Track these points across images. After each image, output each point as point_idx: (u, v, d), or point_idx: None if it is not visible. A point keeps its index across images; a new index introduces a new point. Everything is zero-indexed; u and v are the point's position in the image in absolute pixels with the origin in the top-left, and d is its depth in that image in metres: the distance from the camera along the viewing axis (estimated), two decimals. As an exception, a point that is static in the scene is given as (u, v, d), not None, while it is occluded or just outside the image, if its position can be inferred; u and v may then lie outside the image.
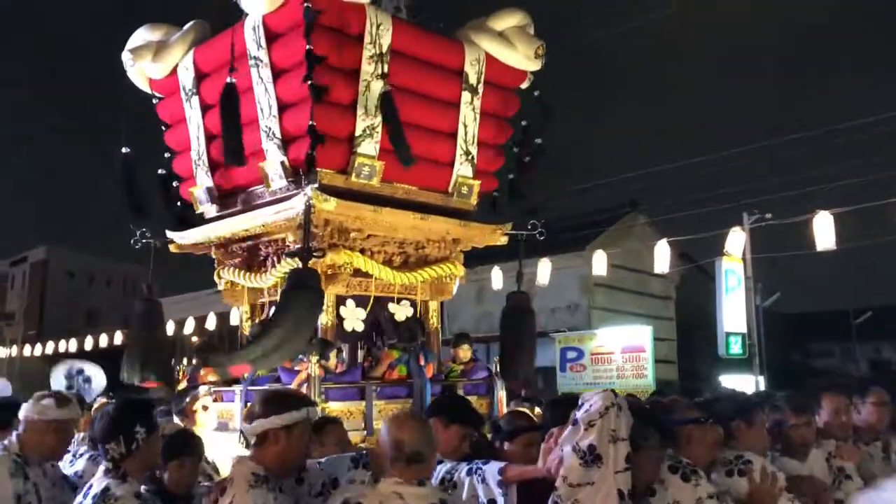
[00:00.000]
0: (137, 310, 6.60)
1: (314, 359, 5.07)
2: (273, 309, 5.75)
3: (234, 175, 5.90)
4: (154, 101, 6.44)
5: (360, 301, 5.85)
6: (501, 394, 6.06)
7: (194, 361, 6.35)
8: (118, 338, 25.12)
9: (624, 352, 17.19)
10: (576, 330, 19.49)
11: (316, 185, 5.13)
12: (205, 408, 4.81)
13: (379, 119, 5.43)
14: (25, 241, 45.30)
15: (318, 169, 5.25)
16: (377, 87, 5.40)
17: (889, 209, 11.31)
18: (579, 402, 2.73)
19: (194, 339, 27.68)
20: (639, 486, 2.77)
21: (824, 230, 11.89)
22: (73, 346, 26.89)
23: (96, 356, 25.61)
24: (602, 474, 2.58)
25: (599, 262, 15.48)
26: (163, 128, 6.49)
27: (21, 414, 3.50)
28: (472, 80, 5.99)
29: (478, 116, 6.08)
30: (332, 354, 5.45)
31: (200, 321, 23.05)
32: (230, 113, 5.23)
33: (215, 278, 6.38)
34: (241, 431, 2.88)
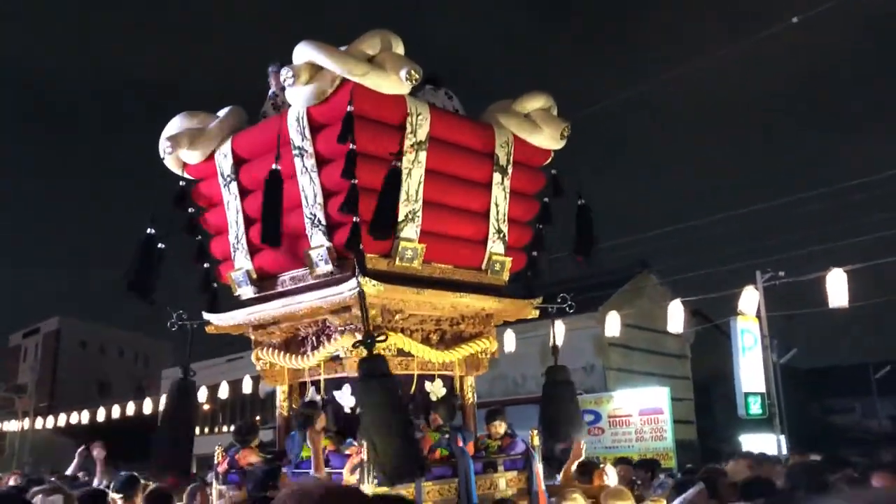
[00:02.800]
0: (172, 391, 6.58)
1: (365, 442, 5.05)
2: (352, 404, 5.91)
3: (276, 259, 6.06)
4: (181, 182, 6.58)
5: (399, 381, 5.88)
6: (538, 467, 6.14)
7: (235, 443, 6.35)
8: (130, 409, 25.17)
9: (642, 414, 17.13)
10: (592, 391, 19.45)
11: (363, 272, 5.25)
12: None
13: (420, 204, 5.66)
14: (38, 313, 45.50)
15: (367, 255, 5.41)
16: (419, 173, 5.63)
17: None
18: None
19: (206, 406, 27.68)
20: None
21: (837, 287, 12.08)
22: (85, 417, 26.91)
23: (109, 428, 25.60)
24: None
25: (613, 323, 15.63)
26: (191, 210, 6.62)
27: None
28: (503, 161, 6.23)
29: (508, 195, 6.31)
30: None
31: (213, 389, 23.12)
32: (273, 199, 5.41)
33: (253, 359, 6.49)
34: None
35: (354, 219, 5.23)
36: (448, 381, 6.38)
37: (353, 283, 5.26)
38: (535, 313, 6.67)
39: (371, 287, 5.25)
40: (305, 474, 5.58)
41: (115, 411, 25.69)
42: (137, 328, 42.66)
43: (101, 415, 26.17)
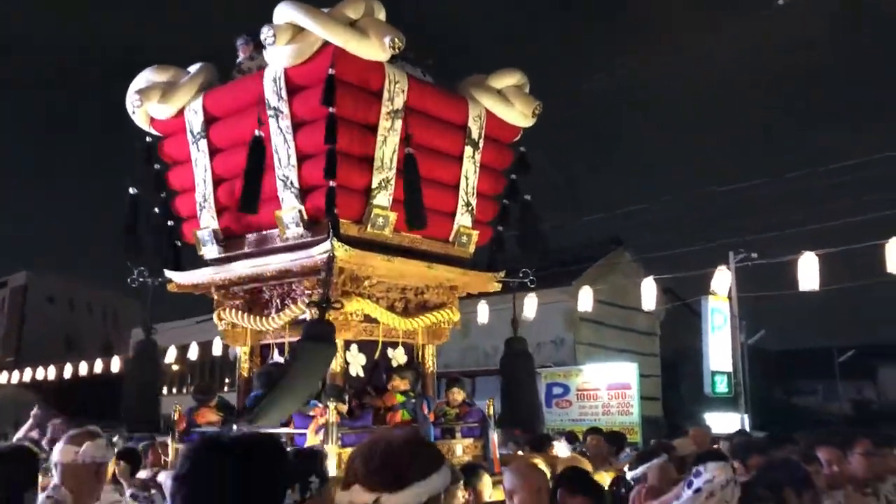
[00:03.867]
0: (134, 351, 6.66)
1: (332, 404, 5.17)
2: (288, 358, 5.93)
3: (244, 220, 6.03)
4: (148, 139, 6.52)
5: (362, 346, 6.02)
6: (494, 435, 6.20)
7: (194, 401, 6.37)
8: (98, 366, 24.97)
9: (610, 388, 17.31)
10: (561, 364, 19.61)
11: (334, 236, 5.27)
12: None
13: (393, 172, 5.67)
14: (5, 267, 44.87)
15: (338, 219, 5.40)
16: (393, 141, 5.64)
17: (872, 251, 11.62)
18: (695, 470, 3.00)
19: (174, 367, 27.56)
20: None
21: (809, 271, 12.21)
22: (52, 373, 26.68)
23: (76, 384, 25.42)
24: None
25: (585, 298, 15.71)
26: (156, 166, 6.56)
27: (55, 457, 3.30)
28: (475, 134, 6.29)
29: (477, 169, 6.38)
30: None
31: (183, 350, 22.99)
32: (255, 165, 5.41)
33: (215, 319, 6.46)
34: None
35: (331, 183, 5.23)
36: (409, 350, 6.44)
37: (324, 246, 5.26)
38: (498, 287, 6.78)
39: (343, 251, 5.27)
40: None
41: (83, 368, 25.47)
42: (107, 285, 42.29)
43: (68, 371, 25.97)
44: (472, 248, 6.54)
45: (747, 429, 17.49)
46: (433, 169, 6.14)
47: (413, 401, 5.81)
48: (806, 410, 27.12)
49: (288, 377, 5.09)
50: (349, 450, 5.18)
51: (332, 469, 5.07)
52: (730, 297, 17.54)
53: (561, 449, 6.66)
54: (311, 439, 5.25)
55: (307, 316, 5.60)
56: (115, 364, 24.40)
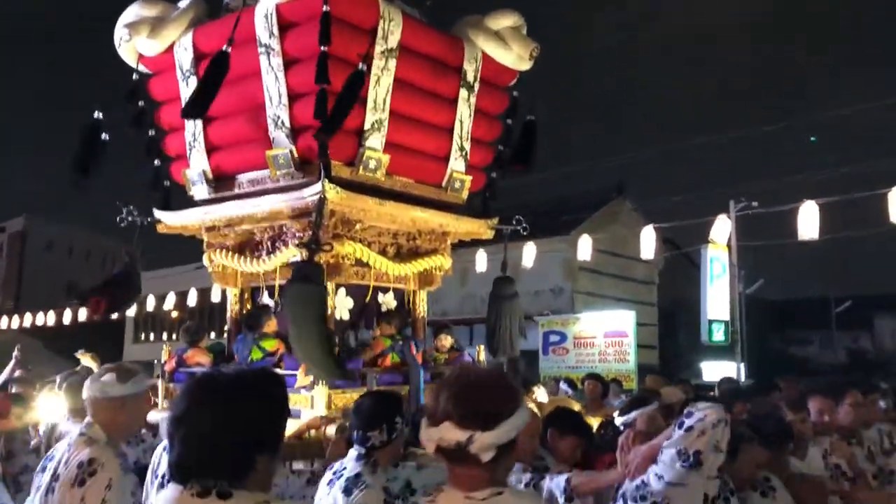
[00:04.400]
0: (115, 272, 6.53)
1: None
2: (278, 301, 5.93)
3: (234, 160, 5.94)
4: (135, 76, 6.33)
5: (350, 290, 5.97)
6: None
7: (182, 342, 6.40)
8: (98, 312, 25.05)
9: (606, 336, 17.39)
10: (559, 313, 19.67)
11: (326, 178, 5.18)
12: None
13: (387, 114, 5.55)
14: (3, 213, 44.75)
15: (330, 160, 5.30)
16: (387, 82, 5.51)
17: (873, 201, 11.52)
18: (688, 412, 2.97)
19: (174, 314, 27.64)
20: (740, 484, 3.20)
21: (809, 220, 12.12)
22: (51, 318, 26.78)
23: (75, 330, 25.52)
24: (696, 478, 2.90)
25: (584, 247, 15.64)
26: (141, 104, 6.36)
27: (84, 394, 3.25)
28: (470, 77, 6.13)
29: (472, 113, 6.23)
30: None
31: (181, 296, 23.01)
32: (213, 79, 5.25)
33: (205, 261, 6.40)
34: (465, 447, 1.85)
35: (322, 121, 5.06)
36: (400, 295, 6.43)
37: (316, 187, 5.17)
38: (491, 234, 6.69)
39: (334, 193, 5.18)
40: None
41: (82, 314, 25.52)
42: (105, 232, 42.22)
43: (67, 316, 26.05)
44: (465, 195, 6.44)
45: (743, 378, 17.65)
46: (427, 111, 6.03)
47: (400, 343, 5.82)
48: (802, 360, 27.32)
49: (290, 329, 5.05)
50: (338, 391, 5.26)
51: (321, 409, 5.15)
52: (729, 246, 17.51)
53: (541, 394, 6.74)
54: (301, 380, 5.26)
55: (298, 259, 5.53)
56: (114, 310, 24.47)
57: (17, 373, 8.48)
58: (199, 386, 1.86)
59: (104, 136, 6.07)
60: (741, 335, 18.22)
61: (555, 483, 3.21)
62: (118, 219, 6.34)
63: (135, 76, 6.29)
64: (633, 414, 4.87)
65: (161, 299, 22.82)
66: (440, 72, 6.04)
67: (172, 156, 6.41)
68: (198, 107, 5.32)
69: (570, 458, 3.76)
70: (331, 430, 4.85)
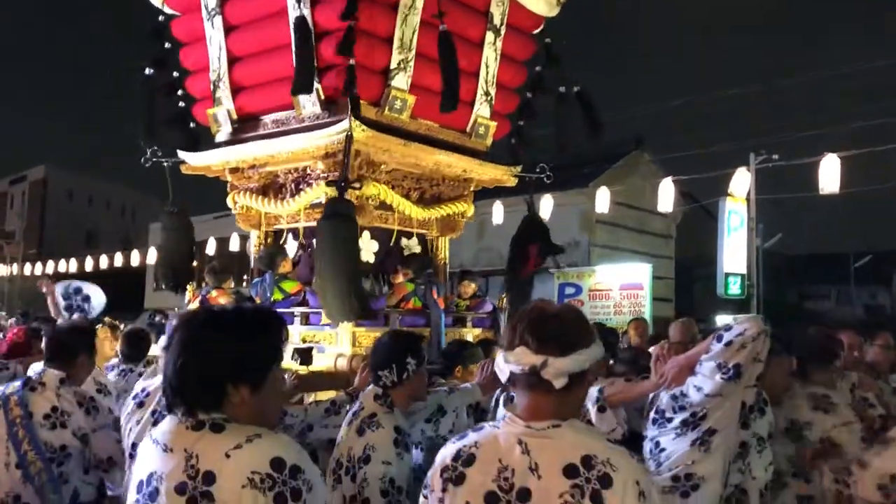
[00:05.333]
0: (164, 223, 6.73)
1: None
2: (303, 242, 5.98)
3: (259, 100, 5.91)
4: (161, 17, 6.31)
5: (374, 233, 5.99)
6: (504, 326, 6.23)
7: (206, 282, 6.40)
8: (118, 260, 25.33)
9: (622, 289, 17.33)
10: (575, 266, 19.65)
11: (353, 117, 5.15)
12: None
13: (413, 53, 5.52)
14: (25, 160, 45.13)
15: (358, 98, 5.26)
16: (414, 21, 5.48)
17: (893, 154, 11.36)
18: (727, 325, 3.02)
19: (193, 263, 27.93)
20: (774, 393, 3.32)
21: (830, 173, 11.95)
22: (73, 266, 27.10)
23: (97, 277, 25.87)
24: (734, 388, 2.96)
25: (602, 200, 15.52)
26: (167, 45, 6.34)
27: None
28: (497, 20, 6.08)
29: (498, 58, 6.18)
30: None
31: (200, 246, 23.19)
32: (305, 46, 5.18)
33: (229, 202, 6.41)
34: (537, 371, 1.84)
35: (350, 61, 5.08)
36: (422, 241, 6.45)
37: (342, 125, 5.15)
38: (514, 181, 6.66)
39: (360, 131, 5.17)
40: (281, 314, 5.62)
41: (104, 262, 25.84)
42: (125, 180, 42.53)
43: (88, 264, 26.35)
44: (489, 141, 6.41)
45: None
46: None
47: (422, 287, 5.85)
48: (818, 314, 27.24)
49: (318, 265, 5.10)
50: (363, 329, 5.31)
51: (346, 346, 5.22)
52: (748, 200, 17.35)
53: None
54: (326, 318, 5.32)
55: (323, 200, 5.54)
56: (135, 258, 24.73)
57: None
58: (197, 318, 1.92)
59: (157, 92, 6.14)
60: (757, 289, 18.15)
61: (587, 395, 3.18)
62: (143, 160, 6.33)
63: (160, 17, 6.24)
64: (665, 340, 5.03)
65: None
66: (467, 14, 5.97)
67: (196, 97, 6.39)
68: (305, 80, 5.21)
69: (597, 370, 3.82)
70: (356, 362, 4.87)
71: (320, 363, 5.18)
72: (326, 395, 4.34)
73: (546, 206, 14.60)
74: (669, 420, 3.07)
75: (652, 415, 3.17)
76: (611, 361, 4.50)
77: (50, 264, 28.34)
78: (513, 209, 16.73)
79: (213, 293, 6.20)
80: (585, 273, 18.32)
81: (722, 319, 20.77)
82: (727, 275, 17.25)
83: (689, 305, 23.49)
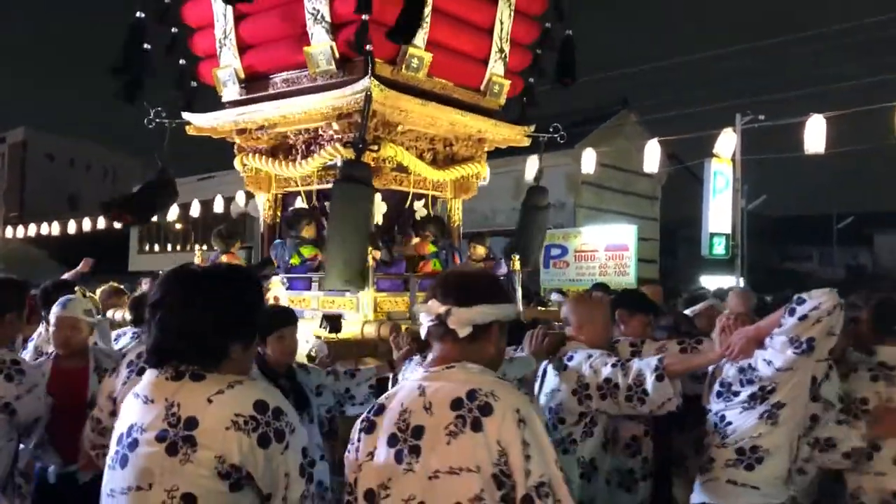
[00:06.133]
0: (150, 179, 6.38)
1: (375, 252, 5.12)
2: (315, 205, 5.83)
3: (268, 58, 5.67)
4: None
5: (385, 195, 5.83)
6: (518, 290, 6.21)
7: (215, 247, 6.21)
8: (101, 223, 25.11)
9: (608, 250, 17.38)
10: (561, 227, 19.67)
11: (371, 75, 4.94)
12: (276, 298, 4.88)
13: (430, 9, 5.28)
14: (3, 122, 44.27)
15: (374, 57, 5.07)
16: None
17: (880, 114, 11.33)
18: (799, 298, 2.87)
19: (178, 225, 27.71)
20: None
21: (815, 134, 11.93)
22: (55, 229, 26.87)
23: (79, 241, 25.65)
24: (805, 362, 2.87)
25: (588, 160, 15.45)
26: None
27: None
28: None
29: (512, 14, 5.99)
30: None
31: (184, 208, 23.01)
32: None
33: (236, 164, 6.17)
34: (442, 320, 1.94)
35: (364, 17, 4.87)
36: (433, 203, 6.29)
37: (361, 84, 4.95)
38: (527, 141, 6.54)
39: (378, 91, 4.96)
40: (298, 280, 5.56)
41: (86, 225, 25.60)
42: (107, 143, 41.98)
43: (71, 227, 26.12)
44: (502, 100, 6.24)
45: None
46: (467, 9, 5.77)
47: (444, 251, 5.75)
48: (800, 274, 27.47)
49: (331, 228, 4.97)
50: (384, 294, 5.26)
51: (369, 312, 5.11)
52: (733, 161, 17.37)
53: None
54: (327, 284, 5.19)
55: (338, 161, 5.38)
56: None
57: None
58: (176, 276, 1.93)
59: (146, 45, 5.85)
60: (741, 250, 18.25)
61: (645, 362, 3.09)
62: (146, 120, 6.04)
63: None
64: (701, 305, 4.86)
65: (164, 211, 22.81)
66: None
67: (201, 55, 6.14)
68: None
69: (641, 335, 3.75)
70: (385, 329, 4.75)
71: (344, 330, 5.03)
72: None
73: (531, 167, 14.54)
74: (736, 394, 2.99)
75: (717, 388, 3.08)
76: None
77: (32, 227, 28.10)
78: (497, 171, 16.60)
79: (223, 258, 6.00)
80: (571, 234, 18.35)
81: (706, 280, 20.95)
82: (712, 235, 17.32)
83: (674, 267, 23.64)
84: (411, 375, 2.07)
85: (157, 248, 31.95)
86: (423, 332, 2.05)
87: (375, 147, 5.14)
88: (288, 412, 1.83)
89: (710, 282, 20.60)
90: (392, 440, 1.89)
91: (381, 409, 1.97)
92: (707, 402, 3.17)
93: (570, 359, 3.25)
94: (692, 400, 3.26)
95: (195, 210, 21.76)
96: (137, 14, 5.85)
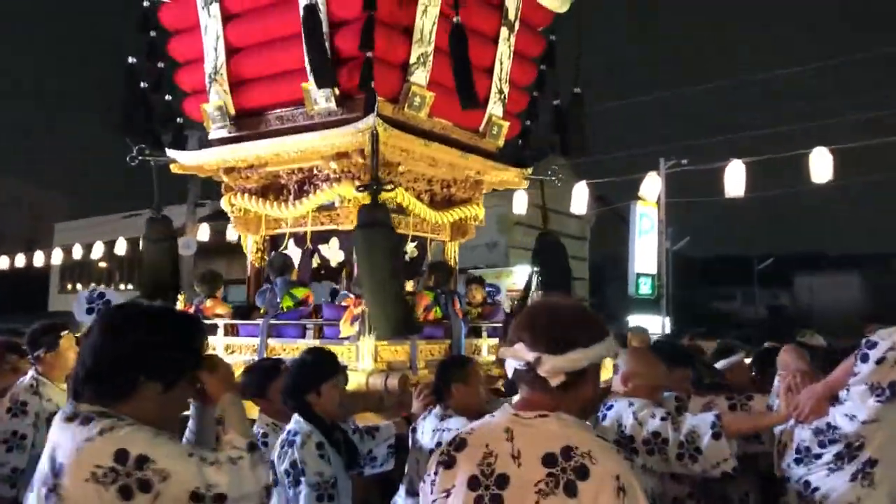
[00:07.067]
0: (148, 229, 6.07)
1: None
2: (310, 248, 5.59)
3: (261, 95, 5.43)
4: (146, 2, 5.80)
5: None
6: None
7: (198, 291, 5.95)
8: (20, 260, 24.20)
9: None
10: (493, 266, 19.84)
11: (375, 114, 4.73)
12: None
13: (432, 47, 5.15)
14: None
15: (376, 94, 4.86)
16: (433, 13, 5.13)
17: (796, 160, 11.85)
18: (869, 342, 2.61)
19: (102, 263, 26.91)
20: None
21: (735, 178, 12.40)
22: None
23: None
24: (891, 410, 2.58)
25: (520, 202, 15.73)
26: (152, 34, 5.83)
27: None
28: (511, 15, 5.78)
29: (511, 54, 5.87)
30: None
31: (109, 246, 22.40)
32: (314, 40, 4.74)
33: (223, 204, 5.88)
34: (532, 367, 1.80)
35: (368, 54, 4.69)
36: (420, 246, 6.05)
37: (365, 122, 4.73)
38: (526, 184, 6.51)
39: (382, 130, 4.75)
40: (289, 327, 5.24)
41: (4, 262, 24.64)
42: (29, 178, 40.65)
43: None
44: (501, 141, 6.09)
45: (668, 331, 18.16)
46: (469, 49, 5.51)
47: (443, 296, 5.50)
48: (724, 314, 28.28)
49: (364, 277, 4.71)
50: (384, 343, 4.91)
51: (368, 362, 4.78)
52: (658, 203, 17.88)
53: None
54: (347, 330, 4.88)
55: (337, 202, 5.17)
56: (39, 258, 23.68)
57: None
58: (106, 309, 1.95)
59: (142, 84, 5.65)
60: (667, 289, 18.70)
61: (699, 418, 2.86)
62: (128, 158, 5.71)
63: (145, 3, 5.76)
64: (731, 359, 4.44)
65: (88, 248, 22.12)
66: (482, 7, 5.64)
67: (187, 90, 5.85)
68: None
69: (682, 389, 3.48)
70: (392, 381, 4.53)
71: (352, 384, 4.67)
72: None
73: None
74: (818, 456, 2.72)
75: (793, 454, 2.81)
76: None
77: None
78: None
79: (208, 303, 5.74)
80: (503, 273, 18.51)
81: (634, 319, 21.34)
82: (638, 275, 17.72)
83: (603, 306, 24.02)
84: (499, 415, 1.85)
85: (79, 286, 30.95)
86: (508, 373, 1.87)
87: (391, 187, 4.89)
88: (158, 458, 1.64)
89: (637, 321, 21.02)
90: (473, 483, 1.73)
91: (462, 445, 1.81)
92: (779, 469, 2.89)
93: (610, 408, 3.00)
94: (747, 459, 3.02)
95: (121, 248, 21.19)
96: (130, 60, 5.65)
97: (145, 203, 6.34)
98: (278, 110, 5.42)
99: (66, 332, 4.12)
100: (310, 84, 4.99)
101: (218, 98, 5.52)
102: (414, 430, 3.37)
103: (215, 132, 5.67)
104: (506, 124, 6.03)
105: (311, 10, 4.72)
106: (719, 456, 2.77)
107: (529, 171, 6.39)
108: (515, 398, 1.87)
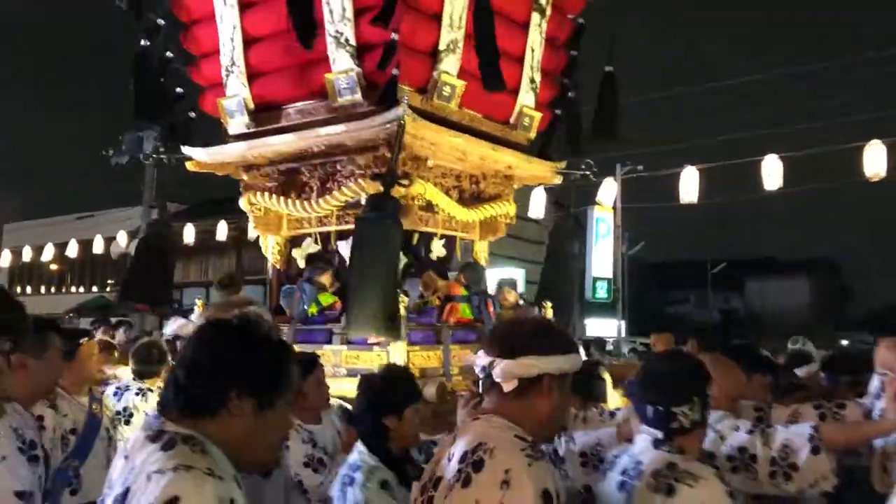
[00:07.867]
0: (148, 233, 5.74)
1: (402, 297, 4.53)
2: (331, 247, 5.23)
3: (281, 87, 5.09)
4: None
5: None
6: None
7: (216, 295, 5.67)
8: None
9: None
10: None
11: (405, 102, 4.42)
12: None
13: (462, 33, 4.81)
14: None
15: (400, 85, 4.56)
16: None
17: (748, 167, 12.12)
18: None
19: (53, 266, 26.32)
20: None
21: (689, 184, 12.64)
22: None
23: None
24: None
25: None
26: (160, 22, 5.49)
27: None
28: (543, 0, 5.44)
29: (543, 41, 5.53)
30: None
31: (61, 248, 21.95)
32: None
33: (243, 204, 5.49)
34: (489, 372, 1.81)
35: (392, 35, 4.36)
36: (451, 244, 5.75)
37: (393, 113, 4.41)
38: (558, 179, 6.19)
39: (412, 121, 4.42)
40: (315, 331, 4.94)
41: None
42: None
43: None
44: (532, 133, 5.72)
45: (623, 334, 18.42)
46: (499, 35, 5.10)
47: (476, 297, 5.25)
48: (678, 317, 28.75)
49: (356, 269, 4.37)
50: (416, 347, 4.69)
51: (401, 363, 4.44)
52: (614, 208, 18.12)
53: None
54: (350, 330, 4.60)
55: (362, 199, 4.81)
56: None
57: None
58: (197, 328, 1.82)
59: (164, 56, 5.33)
60: (623, 293, 18.96)
61: (793, 431, 2.52)
62: (141, 156, 5.51)
63: None
64: (810, 366, 4.39)
65: (38, 250, 21.61)
66: None
67: (203, 84, 5.50)
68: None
69: (761, 397, 3.21)
70: (430, 390, 4.24)
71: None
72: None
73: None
74: None
75: None
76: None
77: None
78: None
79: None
80: (462, 278, 18.62)
81: (590, 322, 21.60)
82: (595, 279, 17.90)
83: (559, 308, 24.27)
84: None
85: (29, 290, 30.23)
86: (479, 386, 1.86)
87: (406, 182, 4.62)
88: None
89: (594, 323, 21.28)
90: (422, 490, 1.83)
91: (431, 456, 1.95)
92: (881, 484, 2.54)
93: None
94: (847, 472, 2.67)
95: (72, 250, 20.77)
96: (143, 42, 5.28)
97: (103, 204, 6.11)
98: (299, 103, 5.08)
99: (86, 338, 3.79)
100: (333, 74, 4.70)
101: (235, 91, 5.17)
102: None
103: (234, 127, 5.31)
104: (537, 115, 5.68)
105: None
106: (818, 473, 2.44)
107: (563, 164, 6.10)
108: None
